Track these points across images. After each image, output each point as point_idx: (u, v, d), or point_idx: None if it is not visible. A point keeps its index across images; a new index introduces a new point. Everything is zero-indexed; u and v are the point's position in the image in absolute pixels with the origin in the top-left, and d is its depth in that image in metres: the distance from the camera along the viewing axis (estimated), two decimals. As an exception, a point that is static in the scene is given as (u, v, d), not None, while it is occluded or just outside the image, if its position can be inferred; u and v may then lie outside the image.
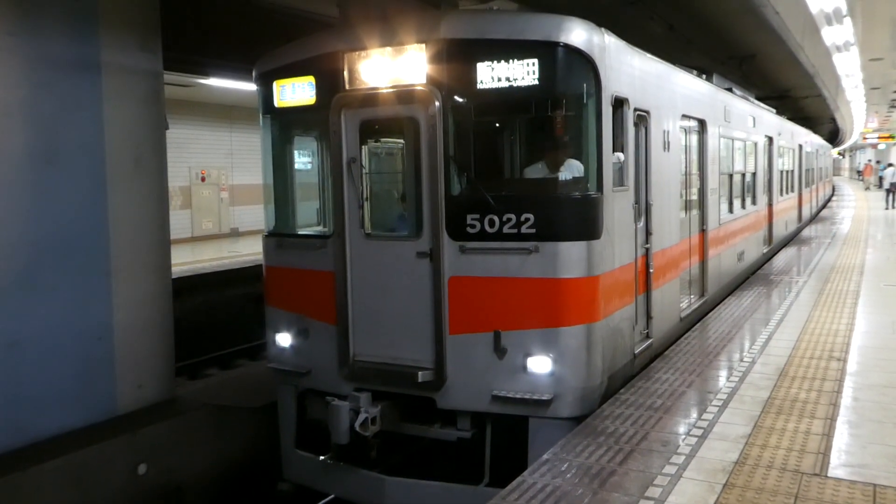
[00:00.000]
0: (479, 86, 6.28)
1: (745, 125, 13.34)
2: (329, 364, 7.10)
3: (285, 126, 7.72)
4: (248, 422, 8.74)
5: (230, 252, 22.00)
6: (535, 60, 6.10)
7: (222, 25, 11.37)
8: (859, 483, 4.74)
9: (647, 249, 7.70)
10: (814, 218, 28.04)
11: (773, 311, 10.28)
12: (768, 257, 16.10)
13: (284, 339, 7.51)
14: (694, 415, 6.12)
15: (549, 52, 6.13)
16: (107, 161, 7.61)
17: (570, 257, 6.19)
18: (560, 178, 6.44)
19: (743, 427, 5.78)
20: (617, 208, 6.70)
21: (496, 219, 6.28)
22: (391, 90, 6.67)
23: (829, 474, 4.88)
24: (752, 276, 13.74)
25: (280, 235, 7.64)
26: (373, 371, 6.86)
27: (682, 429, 5.79)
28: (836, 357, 7.80)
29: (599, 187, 6.36)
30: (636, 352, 7.30)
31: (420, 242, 6.62)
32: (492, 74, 6.23)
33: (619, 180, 6.88)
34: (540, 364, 6.23)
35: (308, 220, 7.74)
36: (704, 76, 11.27)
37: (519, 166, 7.20)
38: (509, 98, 6.30)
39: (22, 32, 6.86)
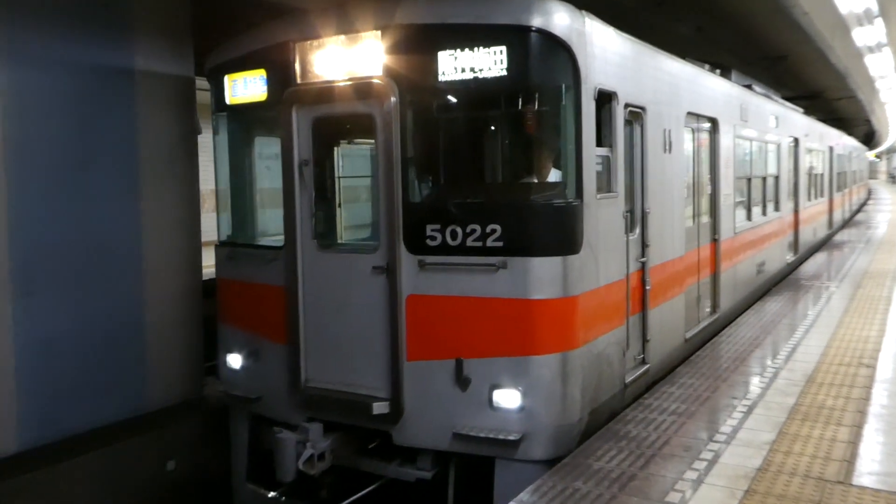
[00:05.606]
0: (441, 77, 5.49)
1: (766, 125, 12.36)
2: (280, 390, 6.36)
3: (238, 125, 7.02)
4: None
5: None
6: (503, 48, 5.29)
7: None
8: (884, 492, 4.63)
9: (644, 263, 6.84)
10: (847, 223, 26.78)
11: (799, 319, 9.93)
12: (794, 267, 15.05)
13: (235, 361, 6.81)
14: (718, 420, 6.00)
15: (518, 39, 5.32)
16: (139, 165, 7.68)
17: (542, 275, 5.37)
18: (531, 183, 5.62)
19: (767, 433, 5.68)
20: (602, 218, 5.86)
21: (458, 230, 5.48)
22: (346, 83, 5.91)
23: (853, 482, 4.78)
24: (774, 287, 12.75)
25: (232, 245, 6.92)
26: (325, 399, 6.10)
27: (705, 434, 5.69)
28: (866, 363, 7.57)
29: (579, 194, 5.52)
30: (627, 381, 6.44)
31: (376, 256, 5.85)
32: (455, 65, 5.44)
33: (606, 185, 6.04)
34: (508, 398, 5.42)
35: (264, 228, 7.03)
36: (719, 71, 10.34)
37: (486, 170, 6.38)
38: (474, 91, 5.51)
39: (58, 39, 6.90)
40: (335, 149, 7.66)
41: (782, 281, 13.46)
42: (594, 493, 4.67)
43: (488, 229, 5.40)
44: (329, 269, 6.13)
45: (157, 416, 7.61)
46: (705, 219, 9.13)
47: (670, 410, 6.21)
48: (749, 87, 11.85)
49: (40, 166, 6.75)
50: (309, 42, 6.06)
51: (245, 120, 6.96)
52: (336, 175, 7.68)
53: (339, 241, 6.93)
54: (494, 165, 6.30)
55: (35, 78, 6.68)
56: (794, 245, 15.45)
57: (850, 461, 5.11)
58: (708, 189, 9.27)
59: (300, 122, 6.18)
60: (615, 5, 10.32)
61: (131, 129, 7.57)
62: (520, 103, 5.45)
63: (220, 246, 7.02)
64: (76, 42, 7.06)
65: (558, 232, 5.45)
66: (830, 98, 26.57)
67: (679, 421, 5.96)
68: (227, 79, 6.74)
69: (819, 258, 16.77)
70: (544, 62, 5.44)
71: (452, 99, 5.66)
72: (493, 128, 6.24)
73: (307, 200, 6.22)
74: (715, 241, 9.35)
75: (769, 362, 7.77)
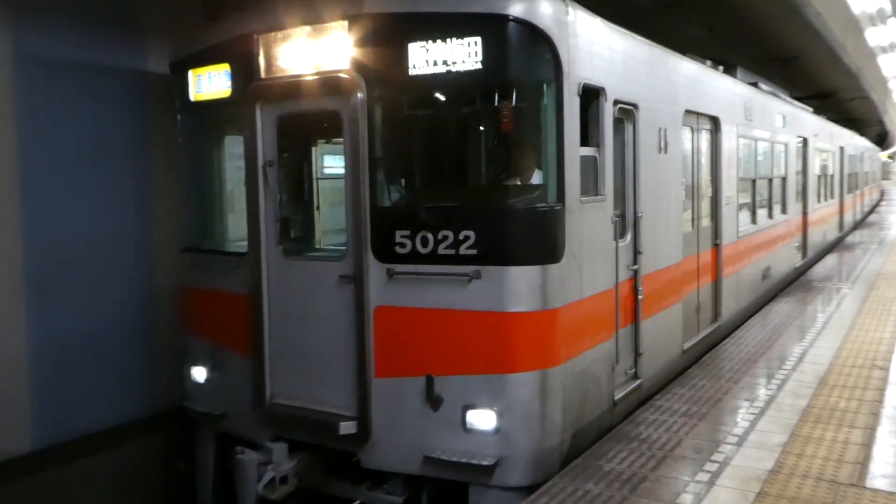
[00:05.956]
0: (412, 71, 5.06)
1: (773, 124, 11.85)
2: (245, 406, 5.95)
3: (202, 123, 6.60)
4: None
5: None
6: (478, 39, 4.86)
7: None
8: (898, 495, 4.56)
9: (636, 271, 6.39)
10: (858, 225, 26.17)
11: (811, 321, 9.75)
12: (802, 271, 14.51)
13: (200, 374, 6.41)
14: (729, 422, 5.92)
15: (493, 28, 4.88)
16: (151, 166, 7.63)
17: (519, 285, 4.93)
18: (508, 186, 5.16)
19: (779, 435, 5.60)
20: (587, 223, 5.41)
21: (430, 236, 5.05)
22: (312, 78, 5.48)
23: (866, 485, 4.71)
24: (781, 291, 12.24)
25: (195, 251, 6.52)
26: (290, 417, 5.68)
27: (716, 436, 5.62)
28: (879, 365, 7.46)
29: (560, 197, 5.07)
30: (617, 398, 5.99)
31: (343, 264, 5.42)
32: (426, 57, 5.01)
33: (593, 188, 5.60)
34: (482, 419, 4.99)
35: (232, 233, 6.62)
36: (722, 68, 9.86)
37: (460, 172, 5.92)
38: (447, 86, 5.09)
39: (69, 42, 6.85)
40: (313, 148, 7.27)
41: (790, 286, 12.95)
42: (605, 495, 4.60)
43: (461, 236, 4.97)
44: (295, 278, 5.71)
45: (168, 417, 7.46)
46: (706, 223, 8.65)
47: (681, 412, 6.15)
48: (755, 84, 11.35)
49: (52, 168, 6.69)
50: (273, 34, 5.65)
51: (209, 118, 6.54)
52: (314, 176, 7.28)
53: (312, 247, 6.53)
54: (469, 167, 5.84)
55: (46, 78, 6.60)
56: (803, 248, 14.92)
57: (864, 463, 5.03)
58: (709, 191, 8.80)
59: (264, 119, 5.76)
60: (626, 6, 9.95)
61: (143, 128, 7.52)
62: (496, 99, 4.98)
63: (183, 252, 6.61)
64: (86, 43, 7.03)
65: (537, 238, 5.01)
66: (843, 98, 26.02)
67: (690, 422, 5.90)
68: (191, 74, 6.32)
69: (830, 260, 16.37)
70: (523, 54, 5.01)
71: (424, 94, 5.23)
72: (467, 126, 5.78)
73: (272, 204, 5.80)
74: (716, 245, 8.87)
75: (780, 364, 7.61)
